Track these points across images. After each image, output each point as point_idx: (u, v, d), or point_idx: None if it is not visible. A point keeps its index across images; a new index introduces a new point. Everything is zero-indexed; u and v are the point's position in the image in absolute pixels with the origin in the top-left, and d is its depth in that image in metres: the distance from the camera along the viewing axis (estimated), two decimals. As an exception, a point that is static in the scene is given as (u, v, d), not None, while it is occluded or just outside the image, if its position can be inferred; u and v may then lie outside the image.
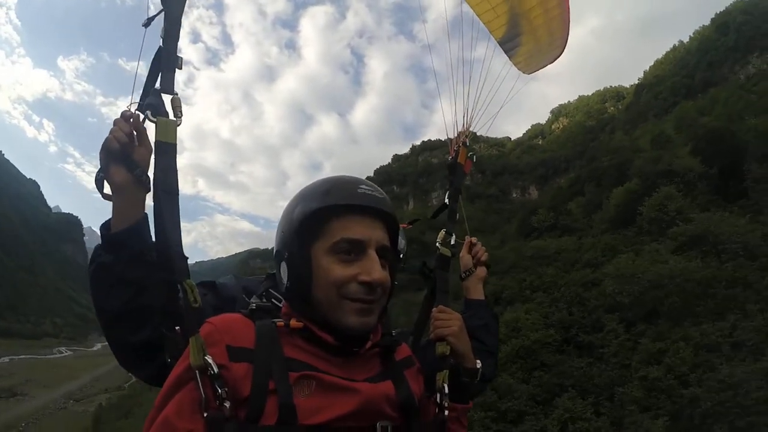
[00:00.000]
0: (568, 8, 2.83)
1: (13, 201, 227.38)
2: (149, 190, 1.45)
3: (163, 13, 1.48)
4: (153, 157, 1.38)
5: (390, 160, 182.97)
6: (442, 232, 2.20)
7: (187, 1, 1.52)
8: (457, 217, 2.33)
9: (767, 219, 27.74)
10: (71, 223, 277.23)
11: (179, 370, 1.14)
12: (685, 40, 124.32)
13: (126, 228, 1.44)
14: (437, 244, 2.17)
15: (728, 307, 23.19)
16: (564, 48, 3.05)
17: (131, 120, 1.46)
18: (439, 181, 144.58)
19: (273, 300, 1.48)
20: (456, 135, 2.52)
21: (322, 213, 1.28)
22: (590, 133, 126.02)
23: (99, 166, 1.48)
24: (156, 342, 1.36)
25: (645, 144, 60.01)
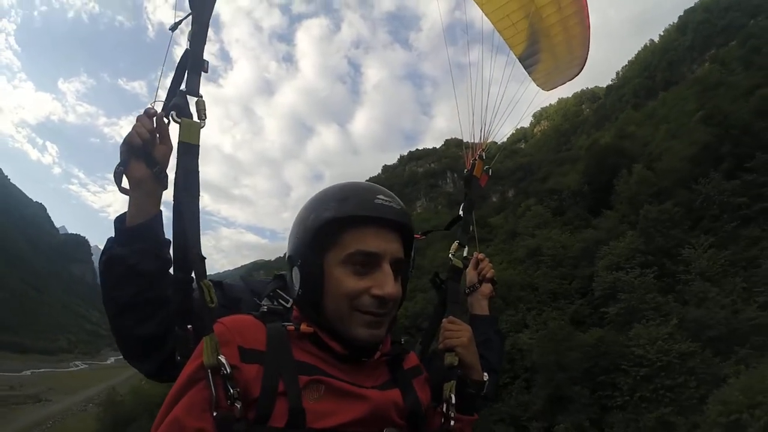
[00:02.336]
0: (589, 26, 2.82)
1: (21, 224, 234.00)
2: (166, 188, 1.49)
3: (190, 16, 1.48)
4: (175, 157, 1.36)
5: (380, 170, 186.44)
6: (455, 244, 2.21)
7: (214, 6, 1.50)
8: (471, 229, 2.31)
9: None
10: (79, 243, 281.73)
11: (191, 368, 1.13)
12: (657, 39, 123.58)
13: (141, 223, 1.45)
14: (450, 255, 2.16)
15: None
16: (583, 66, 3.04)
17: (154, 118, 1.48)
18: (423, 189, 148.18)
19: (281, 300, 1.48)
20: (472, 148, 2.50)
21: (337, 223, 1.25)
22: (563, 136, 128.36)
23: (112, 171, 1.47)
24: (161, 336, 1.44)
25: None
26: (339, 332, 1.26)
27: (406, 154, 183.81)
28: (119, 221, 1.48)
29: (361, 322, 1.25)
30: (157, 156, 1.47)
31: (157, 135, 1.50)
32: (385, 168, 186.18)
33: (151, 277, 1.44)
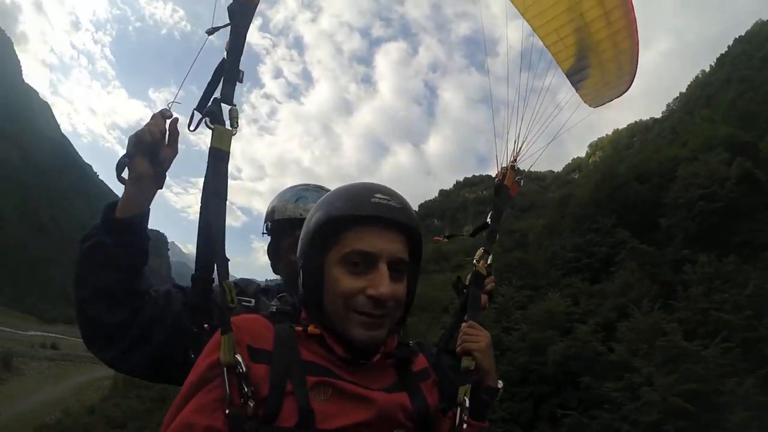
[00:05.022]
0: (638, 42, 2.78)
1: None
2: (161, 188, 1.54)
3: (229, 27, 1.51)
4: (207, 161, 1.38)
5: (437, 194, 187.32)
6: (480, 251, 2.20)
7: (252, 18, 1.56)
8: (497, 238, 2.32)
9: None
10: (158, 239, 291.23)
11: (204, 366, 1.14)
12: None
13: (131, 216, 1.47)
14: (474, 261, 2.16)
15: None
16: (632, 82, 3.02)
17: (168, 120, 1.52)
18: (471, 216, 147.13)
19: (243, 303, 1.60)
20: (505, 159, 2.47)
21: (335, 222, 1.25)
22: (608, 169, 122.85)
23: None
24: (126, 325, 1.45)
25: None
26: (340, 333, 1.24)
27: (462, 179, 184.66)
28: (109, 210, 1.48)
29: (357, 323, 1.23)
30: (161, 157, 1.50)
31: (168, 137, 1.52)
32: (441, 192, 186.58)
33: (131, 269, 1.47)
